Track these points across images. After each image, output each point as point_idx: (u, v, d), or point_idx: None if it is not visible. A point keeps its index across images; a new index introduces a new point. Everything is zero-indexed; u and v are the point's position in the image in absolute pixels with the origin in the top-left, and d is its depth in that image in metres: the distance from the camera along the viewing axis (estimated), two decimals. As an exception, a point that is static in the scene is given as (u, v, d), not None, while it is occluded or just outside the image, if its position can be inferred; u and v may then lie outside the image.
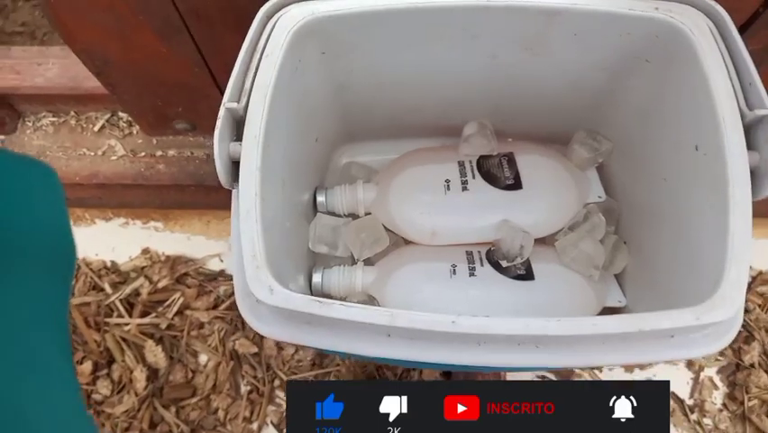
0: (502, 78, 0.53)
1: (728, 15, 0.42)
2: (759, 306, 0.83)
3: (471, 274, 0.53)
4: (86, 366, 0.84)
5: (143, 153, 0.72)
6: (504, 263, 0.53)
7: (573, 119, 0.58)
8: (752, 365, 0.82)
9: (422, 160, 0.60)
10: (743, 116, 0.40)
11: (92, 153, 0.72)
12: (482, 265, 0.54)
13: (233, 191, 0.43)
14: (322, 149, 0.60)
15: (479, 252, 0.56)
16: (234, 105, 0.42)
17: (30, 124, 0.73)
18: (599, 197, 0.59)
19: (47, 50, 0.69)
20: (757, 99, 0.40)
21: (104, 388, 0.83)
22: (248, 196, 0.40)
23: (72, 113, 0.74)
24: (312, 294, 0.56)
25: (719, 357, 0.83)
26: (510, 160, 0.58)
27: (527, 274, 0.53)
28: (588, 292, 0.53)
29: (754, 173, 0.39)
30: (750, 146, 0.40)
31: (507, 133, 0.62)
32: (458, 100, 0.57)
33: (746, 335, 0.83)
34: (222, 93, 0.63)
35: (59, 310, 0.22)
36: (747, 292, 0.84)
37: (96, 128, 0.73)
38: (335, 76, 0.52)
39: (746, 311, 0.83)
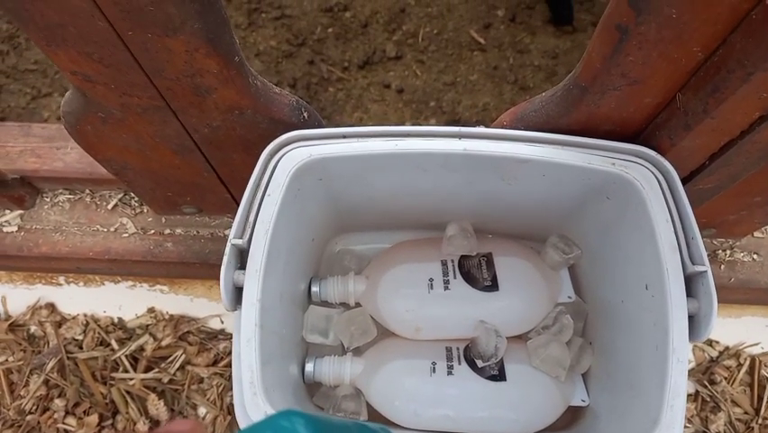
0: (479, 196, 0.59)
1: (675, 171, 0.47)
2: (725, 378, 0.89)
3: (449, 373, 0.59)
4: (93, 418, 0.90)
5: (153, 231, 0.77)
6: (479, 363, 0.59)
7: (546, 226, 0.64)
8: (717, 434, 0.87)
9: (408, 257, 0.65)
10: (684, 267, 0.45)
11: (105, 230, 0.77)
12: (460, 363, 0.59)
13: (236, 312, 0.48)
14: (318, 245, 0.66)
15: (457, 348, 0.61)
16: (239, 241, 0.47)
17: (48, 200, 0.79)
18: (569, 297, 0.64)
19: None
20: (697, 253, 0.45)
21: (108, 438, 0.89)
22: (249, 325, 0.45)
23: (87, 191, 0.79)
24: (304, 382, 0.61)
25: (688, 424, 0.88)
26: (489, 261, 0.63)
27: (500, 375, 0.58)
28: (554, 393, 0.58)
29: (692, 318, 0.45)
30: (690, 293, 0.45)
31: (487, 230, 0.68)
32: (442, 207, 0.63)
33: (713, 405, 0.88)
34: (227, 189, 0.68)
35: None
36: (715, 366, 0.90)
37: (109, 206, 0.78)
38: (331, 192, 0.57)
39: (714, 383, 0.88)
